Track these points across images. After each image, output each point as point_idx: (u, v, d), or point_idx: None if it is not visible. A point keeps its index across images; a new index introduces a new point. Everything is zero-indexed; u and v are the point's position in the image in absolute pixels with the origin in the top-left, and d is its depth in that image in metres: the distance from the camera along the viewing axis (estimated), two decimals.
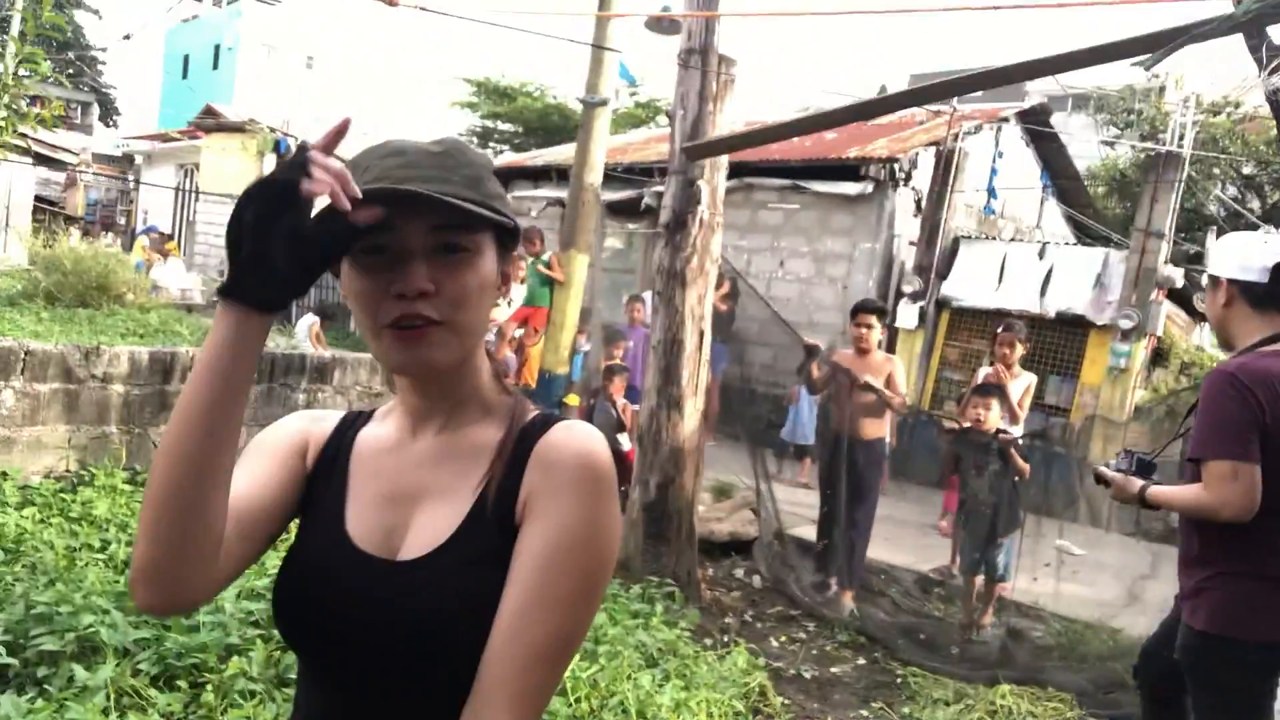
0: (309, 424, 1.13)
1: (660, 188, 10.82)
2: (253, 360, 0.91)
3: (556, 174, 13.28)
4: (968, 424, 5.16)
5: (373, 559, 1.01)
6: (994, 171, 11.24)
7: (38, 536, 4.25)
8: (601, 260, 9.41)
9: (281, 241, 0.87)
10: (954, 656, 4.85)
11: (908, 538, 6.84)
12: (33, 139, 12.66)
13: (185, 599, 0.94)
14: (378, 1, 6.67)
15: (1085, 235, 12.79)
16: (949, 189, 9.94)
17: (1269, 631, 2.39)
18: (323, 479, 1.09)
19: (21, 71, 5.05)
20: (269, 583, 3.92)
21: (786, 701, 4.07)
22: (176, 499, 0.89)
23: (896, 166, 10.24)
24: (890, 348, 9.82)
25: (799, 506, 6.72)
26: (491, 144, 24.86)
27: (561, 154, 14.40)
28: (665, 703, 3.47)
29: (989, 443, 5.04)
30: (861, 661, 4.75)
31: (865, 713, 4.13)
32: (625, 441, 6.64)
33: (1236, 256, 2.59)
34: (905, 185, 10.42)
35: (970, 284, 9.98)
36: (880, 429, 5.49)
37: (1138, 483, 2.74)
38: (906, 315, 10.12)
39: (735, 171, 8.17)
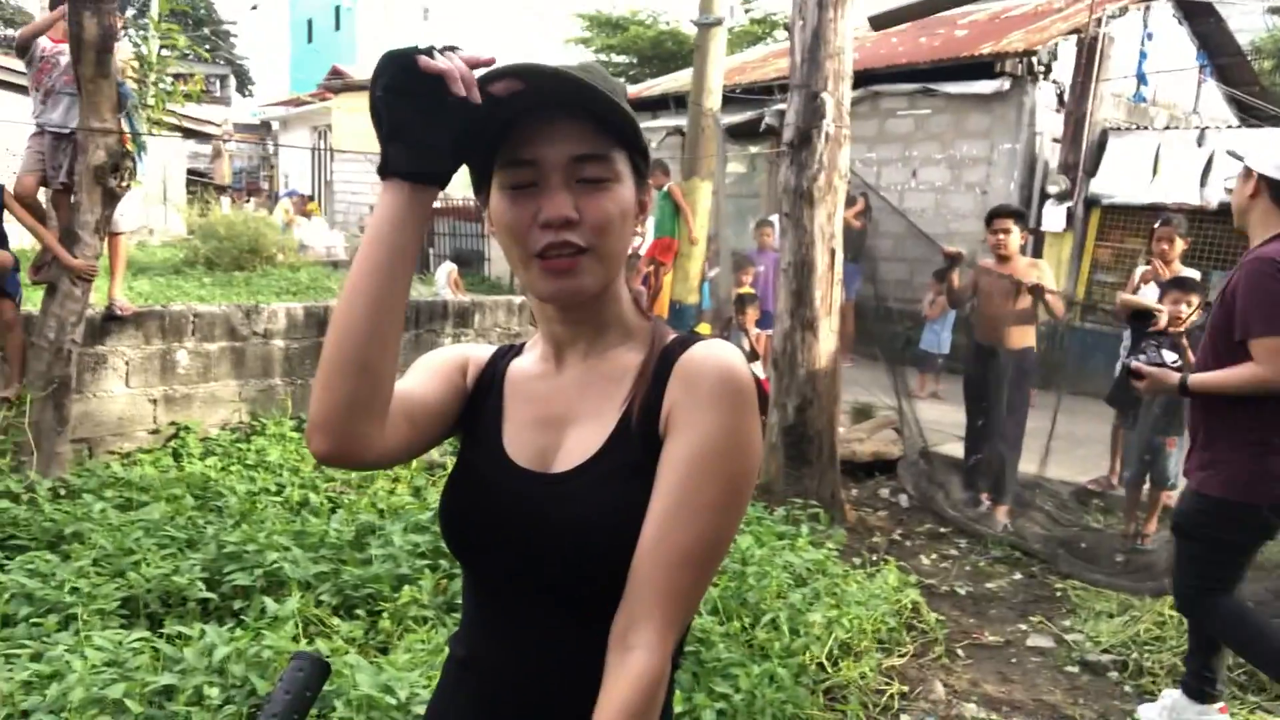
0: (467, 350, 1.21)
1: (782, 106, 10.53)
2: (415, 232, 0.95)
3: (674, 102, 13.10)
4: (1162, 318, 4.70)
5: (529, 472, 1.07)
6: (1143, 56, 10.38)
7: (221, 483, 4.61)
8: (725, 186, 9.27)
9: (418, 112, 0.90)
10: (1117, 568, 4.69)
11: (1060, 449, 6.58)
12: (180, 114, 13.37)
13: (356, 452, 0.98)
14: None
15: (1251, 117, 11.72)
16: (1094, 79, 9.26)
17: (1267, 495, 2.69)
18: (480, 402, 1.15)
19: (163, 51, 5.32)
20: (432, 516, 4.14)
21: (941, 617, 4.04)
22: (349, 356, 0.95)
23: (1035, 59, 9.60)
24: (1036, 253, 9.35)
25: (942, 424, 6.56)
26: None
27: (678, 81, 14.17)
28: (816, 620, 3.50)
29: (1175, 339, 4.60)
30: (1018, 576, 4.65)
31: (1024, 626, 4.06)
32: (760, 371, 6.62)
33: (1274, 157, 2.77)
34: (1045, 79, 9.78)
35: (1121, 179, 9.34)
36: (1028, 337, 5.26)
37: (1174, 375, 2.95)
38: (1052, 217, 9.58)
39: (860, 80, 7.86)
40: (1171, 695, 3.18)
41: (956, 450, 5.91)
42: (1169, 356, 3.19)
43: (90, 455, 5.04)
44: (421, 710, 2.61)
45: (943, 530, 5.27)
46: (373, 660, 3.04)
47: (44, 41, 4.80)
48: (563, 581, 1.03)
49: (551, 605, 1.04)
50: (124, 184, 4.58)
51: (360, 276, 0.95)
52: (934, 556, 4.88)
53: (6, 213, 4.76)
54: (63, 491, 4.29)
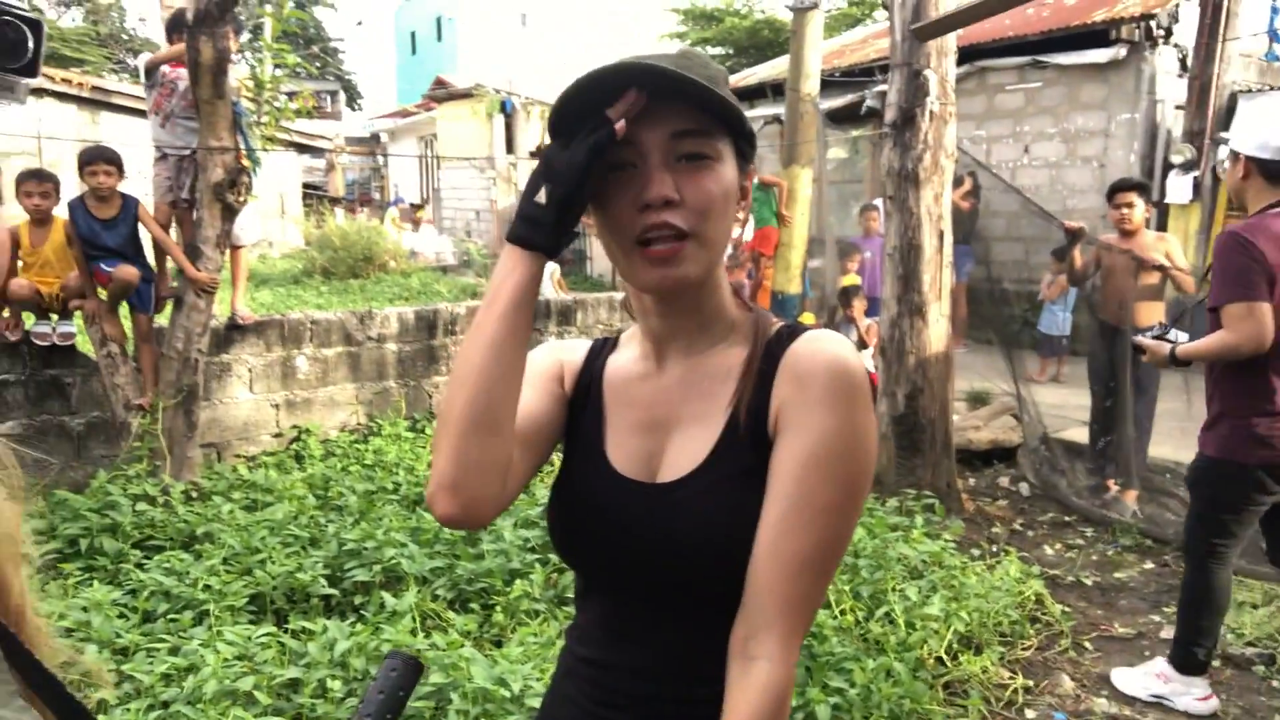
0: (561, 353, 1.18)
1: (883, 87, 10.26)
2: (537, 292, 0.98)
3: (772, 90, 12.94)
4: None
5: (636, 483, 1.04)
6: (1275, 11, 9.70)
7: (340, 483, 4.78)
8: (826, 173, 9.09)
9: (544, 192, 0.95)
10: (1260, 555, 4.38)
11: (1192, 432, 6.21)
12: (293, 131, 13.95)
13: (481, 511, 0.99)
14: None
15: None
16: (1220, 39, 8.70)
17: (1263, 456, 2.91)
18: (580, 407, 1.13)
19: (276, 71, 5.54)
20: (541, 511, 4.20)
21: (1067, 609, 3.86)
22: (482, 419, 0.95)
23: (1153, 23, 9.09)
24: (1161, 226, 8.85)
25: (1065, 408, 6.28)
26: None
27: (775, 69, 14.00)
28: (934, 613, 3.39)
29: None
30: (1149, 565, 4.40)
31: (1157, 618, 3.84)
32: (870, 363, 6.47)
33: (1257, 136, 2.98)
34: (1166, 43, 9.25)
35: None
36: (1156, 314, 4.98)
37: (1166, 346, 3.25)
38: (1178, 189, 9.05)
39: (965, 56, 7.58)
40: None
41: (1080, 435, 5.65)
42: (1181, 335, 3.42)
43: (219, 459, 5.30)
44: (535, 703, 2.64)
45: (1067, 519, 5.04)
46: (487, 653, 3.09)
47: (164, 66, 5.07)
48: (678, 590, 1.01)
49: (667, 611, 1.02)
50: (241, 199, 4.79)
51: (490, 338, 0.95)
52: (1058, 546, 4.67)
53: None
54: (194, 494, 4.52)
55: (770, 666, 0.91)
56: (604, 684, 1.06)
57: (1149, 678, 3.23)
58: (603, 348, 1.17)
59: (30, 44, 0.41)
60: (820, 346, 0.98)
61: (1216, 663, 3.44)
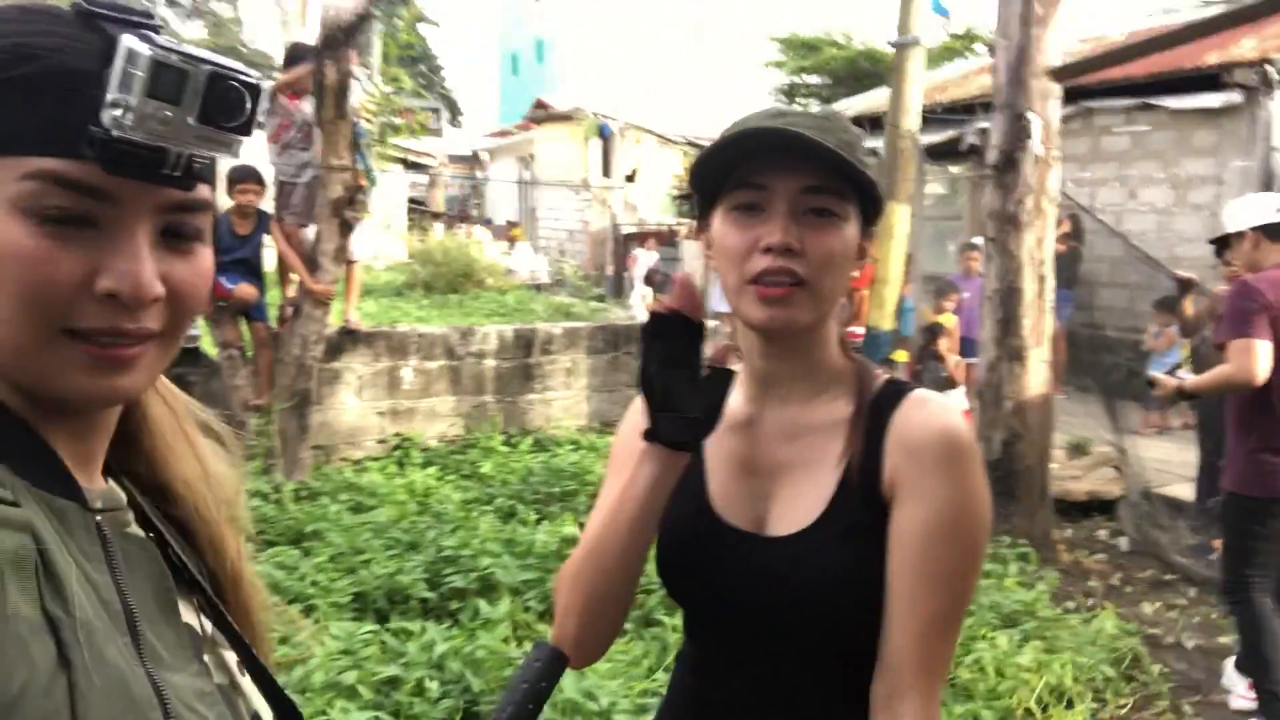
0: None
1: (984, 124, 10.12)
2: (669, 487, 1.02)
3: (869, 123, 12.88)
4: None
5: (744, 534, 1.07)
6: None
7: (439, 491, 4.95)
8: (923, 209, 9.01)
9: (686, 382, 0.98)
10: None
11: None
12: (400, 148, 14.43)
13: (600, 653, 1.11)
14: None
15: None
16: None
17: (1274, 489, 3.15)
18: None
19: (387, 89, 5.80)
20: None
21: (1166, 670, 3.76)
22: (605, 594, 1.05)
23: (1270, 68, 8.79)
24: None
25: (1169, 462, 6.10)
26: (799, 99, 24.63)
27: (873, 101, 13.94)
28: (1025, 663, 3.35)
29: None
30: None
31: None
32: (963, 402, 6.40)
33: (1251, 211, 3.43)
34: None
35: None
36: None
37: (1174, 380, 3.67)
38: None
39: (1070, 96, 7.46)
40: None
41: (1184, 492, 5.48)
42: (1188, 376, 3.92)
43: (327, 461, 5.54)
44: (621, 719, 2.71)
45: (1167, 578, 4.88)
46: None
47: (282, 98, 5.33)
48: (794, 640, 1.05)
49: (773, 655, 1.06)
50: (358, 216, 5.04)
51: (619, 526, 1.02)
52: (1157, 605, 4.53)
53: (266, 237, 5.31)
54: (304, 494, 4.74)
55: None
56: (711, 717, 1.11)
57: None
58: None
59: (249, 105, 0.47)
60: (930, 414, 1.03)
61: None
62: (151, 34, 0.56)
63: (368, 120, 5.47)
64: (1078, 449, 6.76)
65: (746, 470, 1.09)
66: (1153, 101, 9.59)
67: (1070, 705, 3.28)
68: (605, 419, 6.67)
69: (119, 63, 0.54)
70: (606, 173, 20.43)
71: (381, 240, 18.09)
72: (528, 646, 3.26)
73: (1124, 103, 9.89)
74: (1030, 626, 3.79)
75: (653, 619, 3.60)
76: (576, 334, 6.60)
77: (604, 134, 20.16)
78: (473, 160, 30.50)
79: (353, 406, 5.69)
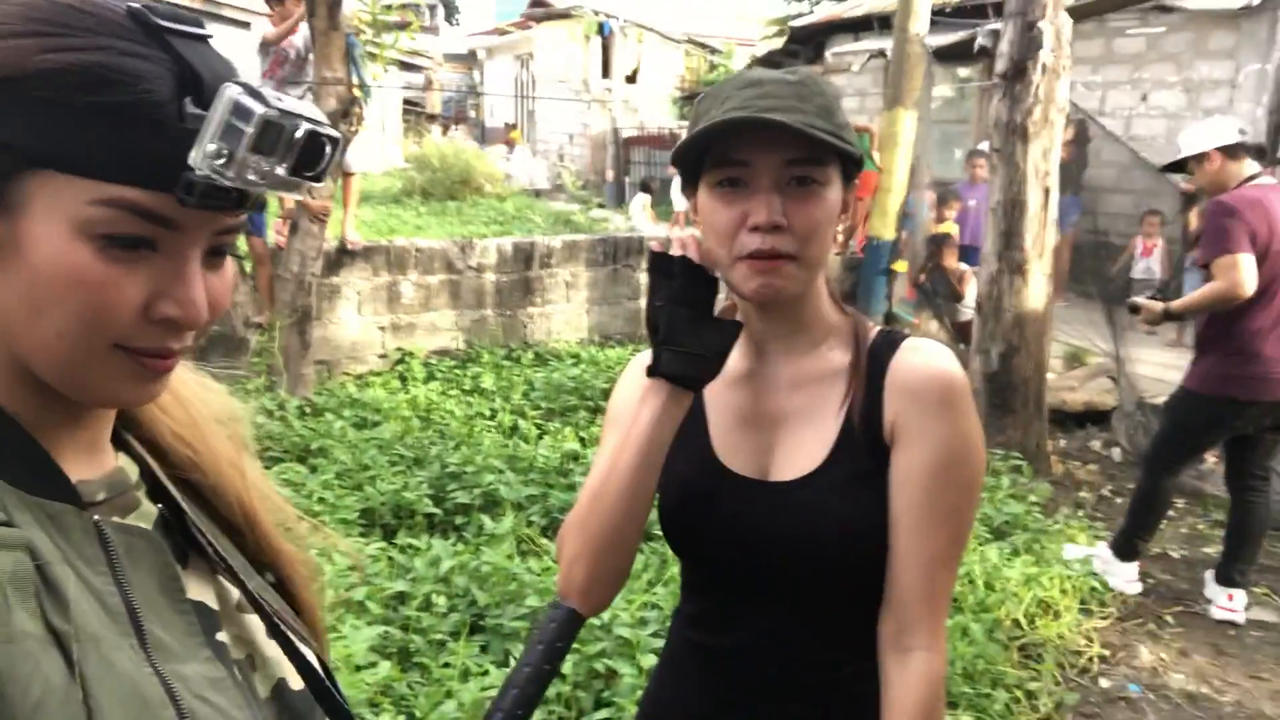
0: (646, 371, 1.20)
1: (995, 25, 9.83)
2: (675, 426, 1.04)
3: (878, 23, 12.51)
4: None
5: (750, 481, 1.10)
6: None
7: (442, 406, 5.01)
8: (930, 113, 8.83)
9: (690, 321, 1.01)
10: None
11: None
12: (398, 47, 14.03)
13: (605, 604, 1.11)
14: None
15: None
16: None
17: (1241, 392, 3.40)
18: None
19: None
20: None
21: (1153, 580, 3.87)
22: (611, 540, 1.06)
23: None
24: None
25: (1168, 369, 6.13)
26: None
27: (882, 1, 13.51)
28: (1014, 576, 3.45)
29: None
30: None
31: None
32: (964, 311, 6.40)
33: (1210, 133, 3.57)
34: None
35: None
36: None
37: (1159, 304, 3.66)
38: None
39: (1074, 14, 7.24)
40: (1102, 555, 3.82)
41: None
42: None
43: (329, 376, 5.59)
44: (623, 632, 2.81)
45: None
46: None
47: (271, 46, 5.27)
48: (800, 586, 1.08)
49: (783, 602, 1.10)
50: (353, 129, 4.95)
51: (623, 467, 1.04)
52: None
53: None
54: (308, 410, 4.79)
55: (927, 655, 1.02)
56: (723, 666, 1.14)
57: (1093, 559, 3.81)
58: None
59: (327, 155, 0.46)
60: (925, 359, 1.07)
61: None
62: (253, 87, 0.57)
63: (361, 31, 5.32)
64: (1075, 359, 6.80)
65: (750, 422, 1.12)
66: (1169, 2, 9.29)
67: (1057, 617, 3.39)
68: (605, 332, 6.70)
69: (223, 113, 0.55)
70: (606, 73, 19.95)
71: (376, 145, 17.81)
72: (532, 562, 3.35)
73: (1140, 4, 9.57)
74: (1021, 540, 3.90)
75: (651, 534, 3.68)
76: (576, 247, 6.56)
77: (604, 32, 19.61)
78: (470, 59, 29.73)
79: (353, 321, 5.71)
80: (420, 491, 3.82)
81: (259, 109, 0.55)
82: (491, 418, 4.99)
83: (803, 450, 1.08)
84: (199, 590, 0.66)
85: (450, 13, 40.70)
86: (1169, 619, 3.61)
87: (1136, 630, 3.51)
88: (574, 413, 5.14)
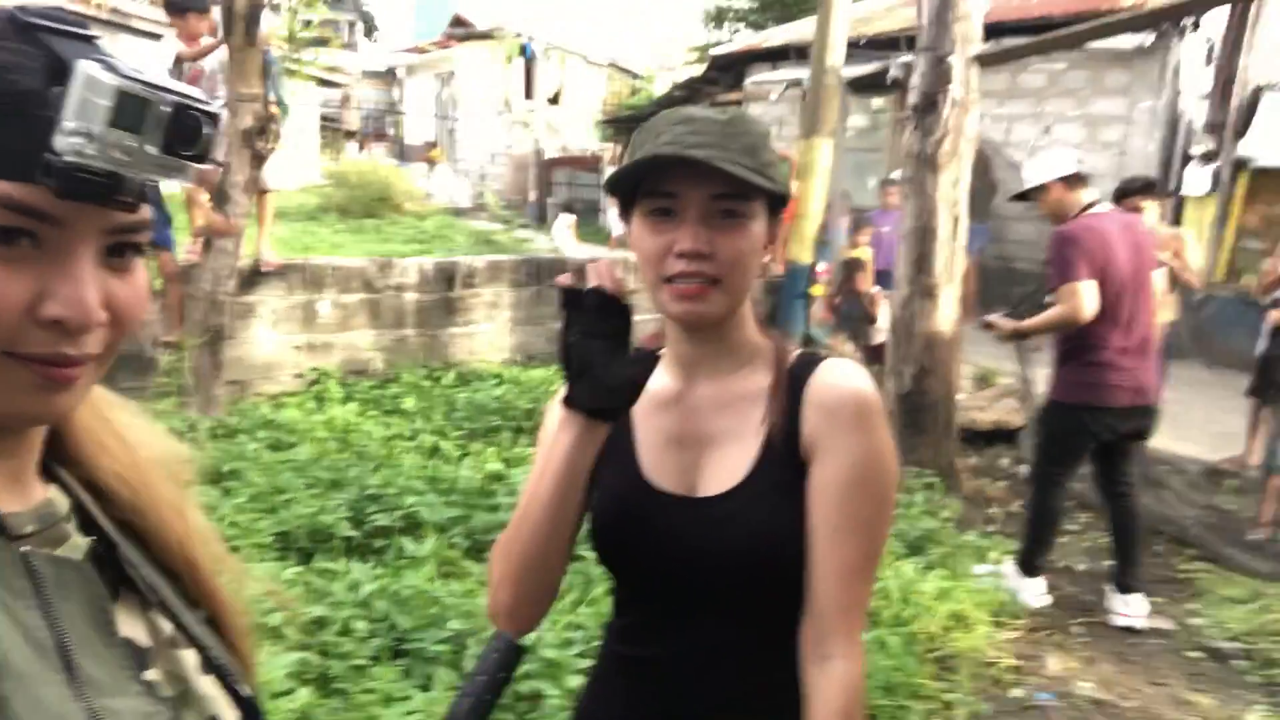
0: None
1: (907, 58, 10.18)
2: (590, 456, 1.07)
3: (795, 53, 12.84)
4: None
5: (677, 497, 1.13)
6: None
7: (360, 427, 4.91)
8: (845, 141, 9.09)
9: (603, 353, 1.03)
10: (1249, 553, 4.54)
11: (1192, 425, 6.35)
12: (312, 63, 13.82)
13: (533, 626, 1.16)
14: None
15: None
16: (1248, 32, 8.67)
17: (1095, 398, 3.71)
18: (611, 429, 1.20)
19: (303, 18, 5.55)
20: None
21: (1060, 593, 4.02)
22: (534, 563, 1.09)
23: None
24: (1176, 217, 8.90)
25: None
26: (727, 22, 24.30)
27: (799, 32, 13.85)
28: (929, 591, 3.55)
29: None
30: None
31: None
32: (877, 334, 6.57)
33: (1049, 164, 3.82)
34: (1194, 31, 9.21)
35: (1275, 140, 8.77)
36: (1167, 308, 5.08)
37: (1011, 322, 4.03)
38: (1196, 180, 9.08)
39: (990, 32, 7.55)
40: (1010, 569, 3.97)
41: None
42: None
43: (242, 397, 5.43)
44: (548, 653, 2.79)
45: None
46: None
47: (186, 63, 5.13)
48: (726, 596, 1.12)
49: (710, 612, 1.13)
50: (270, 146, 4.86)
51: (543, 494, 1.07)
52: None
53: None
54: (220, 431, 4.65)
55: (845, 663, 1.06)
56: (653, 679, 1.16)
57: (1001, 577, 3.94)
58: None
59: (206, 132, 0.46)
60: (841, 378, 1.12)
61: (1197, 654, 3.61)
62: (110, 60, 0.54)
63: (279, 48, 5.23)
64: (984, 380, 7.04)
65: (677, 442, 1.16)
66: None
67: (970, 629, 3.49)
68: (529, 352, 6.67)
69: (78, 89, 0.53)
70: (529, 94, 19.97)
71: (293, 161, 17.45)
72: (454, 584, 3.31)
73: (1044, 37, 10.02)
74: (935, 555, 4.01)
75: (577, 555, 3.68)
76: (499, 267, 6.53)
77: (527, 54, 19.65)
78: (389, 77, 29.40)
79: (268, 341, 5.57)
80: (338, 514, 3.74)
81: (113, 80, 0.53)
82: (412, 439, 4.91)
83: (727, 467, 1.12)
84: (130, 625, 0.64)
85: (369, 30, 40.20)
86: (1075, 629, 3.76)
87: (1045, 641, 3.64)
88: (497, 433, 5.10)
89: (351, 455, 4.51)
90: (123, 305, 0.60)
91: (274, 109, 4.83)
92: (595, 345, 1.03)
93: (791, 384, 1.12)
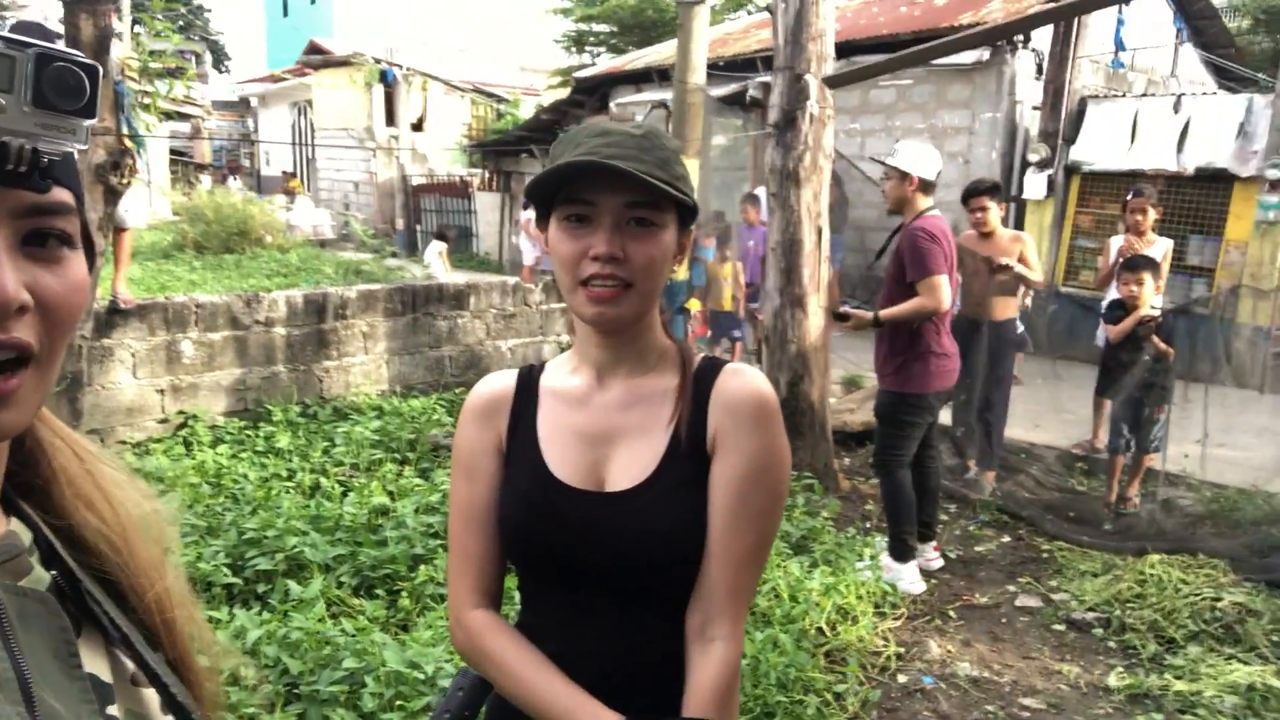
0: (489, 412, 1.28)
1: (765, 78, 10.55)
2: None
3: (658, 75, 13.12)
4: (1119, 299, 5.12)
5: (585, 492, 1.19)
6: (1120, 22, 10.45)
7: (234, 470, 4.74)
8: (709, 160, 9.35)
9: None
10: (1101, 530, 4.89)
11: (1045, 415, 6.79)
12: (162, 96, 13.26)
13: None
14: None
15: (1227, 79, 11.86)
16: (1072, 48, 9.38)
17: (929, 386, 4.02)
18: (516, 428, 1.27)
19: (154, 45, 5.33)
20: (441, 497, 4.29)
21: (935, 581, 4.23)
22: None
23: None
24: (1019, 220, 9.50)
25: None
26: (588, 48, 24.56)
27: (661, 54, 14.17)
28: (815, 587, 3.69)
29: (1138, 328, 4.96)
30: (1006, 540, 4.84)
31: (1012, 588, 4.25)
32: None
33: (920, 161, 4.06)
34: (1024, 48, 9.88)
35: (1100, 146, 9.49)
36: (1010, 308, 5.44)
37: (868, 313, 4.16)
38: (1034, 185, 9.73)
39: (841, 51, 7.92)
40: (884, 559, 4.19)
41: (944, 418, 6.08)
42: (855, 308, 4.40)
43: (104, 445, 5.14)
44: (448, 683, 2.77)
45: None
46: (396, 637, 3.19)
47: None
48: (629, 584, 1.18)
49: (617, 602, 1.19)
50: (125, 181, 4.65)
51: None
52: None
53: None
54: None
55: (725, 645, 1.13)
56: (562, 669, 1.19)
57: (881, 569, 4.12)
58: (530, 371, 1.31)
59: (88, 87, 0.45)
60: (743, 380, 1.20)
61: (1061, 626, 3.87)
62: None
63: (131, 79, 5.02)
64: (852, 384, 7.34)
65: (585, 440, 1.22)
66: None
67: (855, 622, 3.65)
68: (408, 383, 6.57)
69: None
70: (391, 121, 19.65)
71: (142, 197, 16.64)
72: (346, 623, 3.23)
73: (889, 58, 10.56)
74: (818, 552, 4.17)
75: None
76: (373, 296, 6.41)
77: (387, 80, 19.34)
78: (241, 107, 28.42)
79: (128, 385, 5.30)
80: (217, 561, 3.61)
81: None
82: (290, 478, 4.77)
83: (635, 463, 1.19)
84: (92, 662, 0.63)
85: (219, 60, 38.81)
86: (951, 614, 3.96)
87: (925, 627, 3.83)
88: (380, 466, 5.01)
89: (225, 500, 4.35)
90: (52, 296, 0.58)
91: (128, 142, 4.63)
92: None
93: (697, 385, 1.20)
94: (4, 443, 0.62)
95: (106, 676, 0.64)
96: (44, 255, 0.58)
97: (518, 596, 1.31)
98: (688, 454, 1.17)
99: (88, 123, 0.57)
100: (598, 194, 1.12)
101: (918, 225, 4.00)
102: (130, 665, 0.67)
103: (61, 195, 0.58)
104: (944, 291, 3.93)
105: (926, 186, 4.07)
